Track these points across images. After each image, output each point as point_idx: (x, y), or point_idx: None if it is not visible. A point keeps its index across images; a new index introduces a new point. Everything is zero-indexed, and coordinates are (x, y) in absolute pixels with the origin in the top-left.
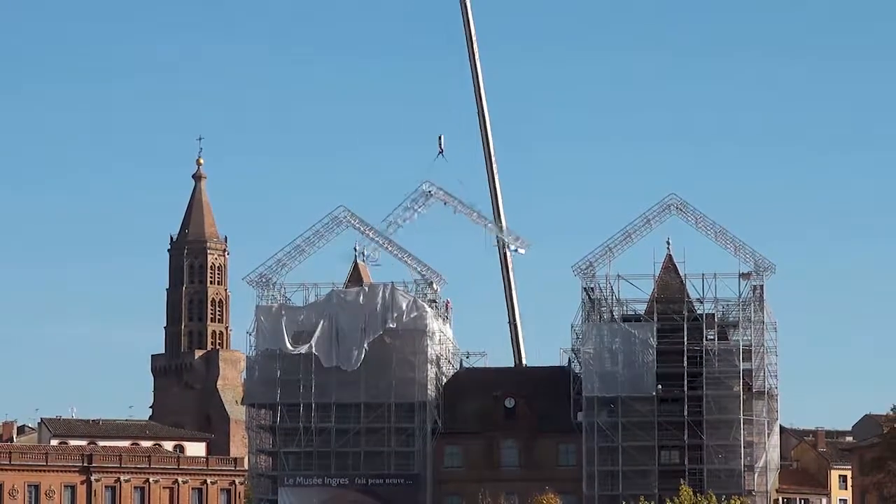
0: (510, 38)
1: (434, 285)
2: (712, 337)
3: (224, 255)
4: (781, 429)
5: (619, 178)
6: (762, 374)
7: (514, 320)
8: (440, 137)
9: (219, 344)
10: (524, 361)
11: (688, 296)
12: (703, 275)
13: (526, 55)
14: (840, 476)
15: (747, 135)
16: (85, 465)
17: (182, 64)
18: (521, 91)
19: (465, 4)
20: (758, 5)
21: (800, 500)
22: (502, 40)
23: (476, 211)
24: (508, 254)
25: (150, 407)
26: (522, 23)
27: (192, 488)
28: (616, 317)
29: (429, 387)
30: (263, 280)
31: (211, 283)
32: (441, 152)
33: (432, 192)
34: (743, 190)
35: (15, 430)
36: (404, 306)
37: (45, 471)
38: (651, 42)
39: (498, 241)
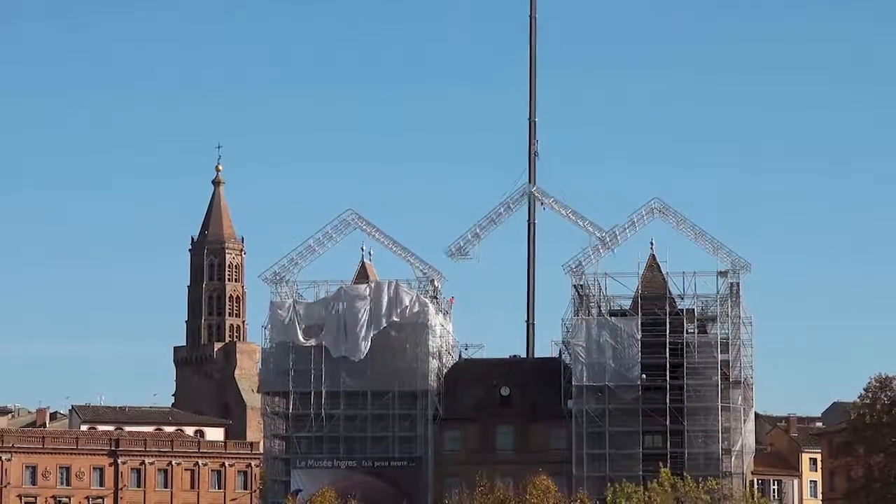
0: (502, 55)
1: (435, 282)
2: (692, 330)
3: (241, 255)
4: (756, 415)
5: (608, 182)
6: (738, 364)
7: (533, 320)
8: (536, 141)
9: (236, 336)
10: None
11: (670, 292)
12: (683, 273)
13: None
14: (811, 459)
15: (727, 144)
16: (112, 448)
17: (200, 76)
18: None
19: None
20: (739, 31)
21: (773, 481)
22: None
23: (574, 212)
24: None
25: (173, 395)
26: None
27: (212, 470)
28: (603, 312)
29: (430, 376)
30: (277, 277)
31: (229, 280)
32: (536, 155)
33: (532, 193)
34: (721, 194)
35: (48, 417)
36: (407, 302)
37: (75, 454)
38: (641, 63)
39: (530, 251)
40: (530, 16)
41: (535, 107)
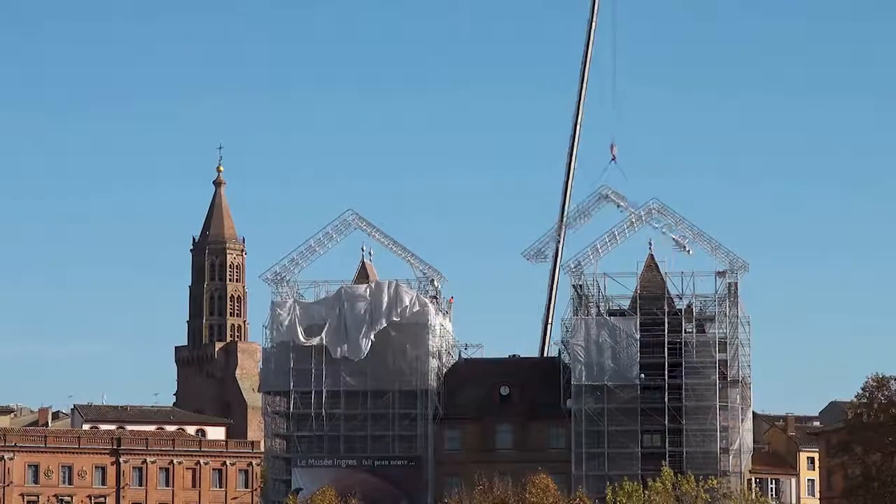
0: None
1: (435, 282)
2: (690, 330)
3: (242, 255)
4: (754, 414)
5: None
6: (736, 364)
7: (551, 321)
8: (612, 146)
9: (237, 336)
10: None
11: (668, 292)
12: (682, 273)
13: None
14: (808, 458)
15: (725, 145)
16: (114, 447)
17: (201, 76)
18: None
19: None
20: (738, 31)
21: (771, 480)
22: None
23: (644, 214)
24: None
25: (174, 394)
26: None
27: (213, 469)
28: (602, 311)
29: (430, 376)
30: (278, 277)
31: (230, 280)
32: (613, 159)
33: (608, 196)
34: (719, 195)
35: (50, 416)
36: (407, 302)
37: (77, 453)
38: (638, 63)
39: (557, 252)
40: (590, 21)
41: (584, 111)
